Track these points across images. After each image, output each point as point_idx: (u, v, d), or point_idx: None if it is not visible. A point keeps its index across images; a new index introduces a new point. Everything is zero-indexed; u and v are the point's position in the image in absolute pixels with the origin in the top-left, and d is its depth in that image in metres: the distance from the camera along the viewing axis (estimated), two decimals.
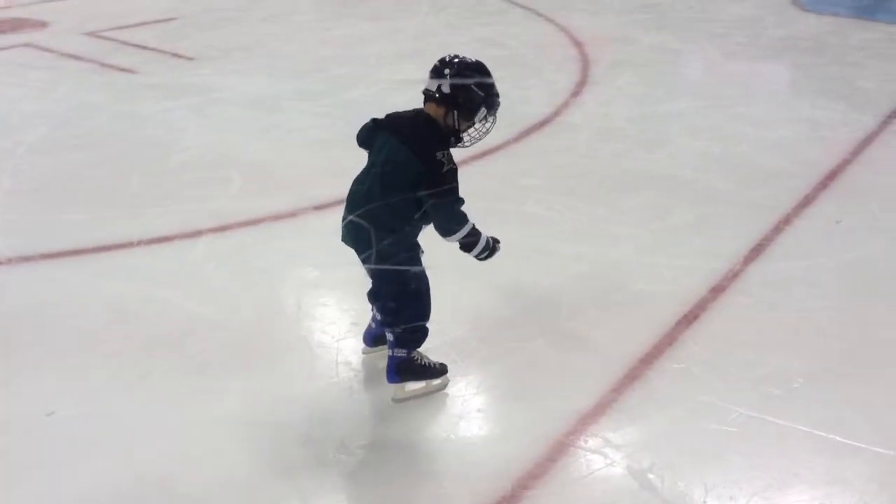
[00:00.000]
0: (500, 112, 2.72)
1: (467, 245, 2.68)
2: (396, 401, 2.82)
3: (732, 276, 3.54)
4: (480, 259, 2.73)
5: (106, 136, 5.12)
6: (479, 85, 2.63)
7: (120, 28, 7.35)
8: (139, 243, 3.79)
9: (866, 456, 2.58)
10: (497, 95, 2.68)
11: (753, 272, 3.58)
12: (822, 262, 3.68)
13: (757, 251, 3.74)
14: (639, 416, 2.73)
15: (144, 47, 6.84)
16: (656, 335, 3.13)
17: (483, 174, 4.34)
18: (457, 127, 2.65)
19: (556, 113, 5.49)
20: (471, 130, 2.69)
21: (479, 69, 2.65)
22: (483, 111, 2.65)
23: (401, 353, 2.77)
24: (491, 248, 2.73)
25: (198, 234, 3.89)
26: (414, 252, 2.71)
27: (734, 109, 5.56)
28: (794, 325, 3.25)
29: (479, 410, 2.81)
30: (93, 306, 3.36)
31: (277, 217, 4.06)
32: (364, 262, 2.72)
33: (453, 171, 2.59)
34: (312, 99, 5.73)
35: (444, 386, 2.88)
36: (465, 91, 2.60)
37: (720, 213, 4.12)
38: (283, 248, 3.83)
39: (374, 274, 2.73)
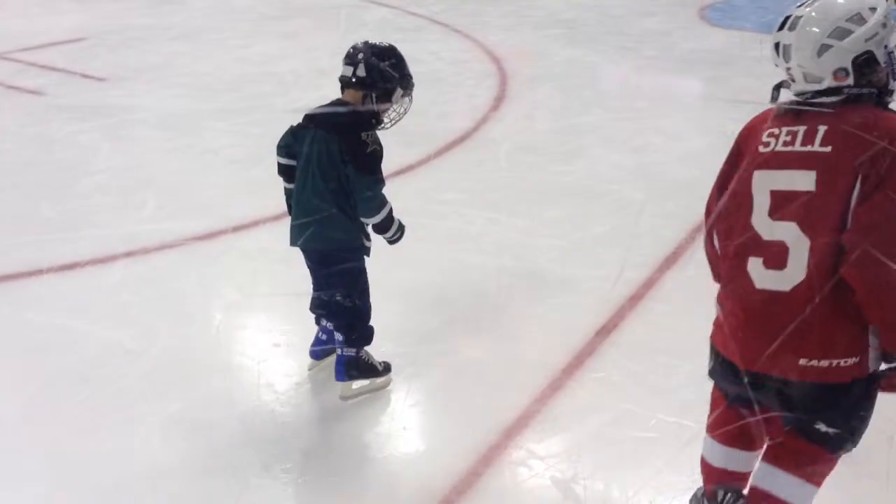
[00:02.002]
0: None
1: (384, 227, 2.77)
2: (344, 398, 2.86)
3: (649, 284, 3.62)
4: (393, 241, 2.83)
5: (13, 161, 4.96)
6: (392, 66, 2.71)
7: (26, 49, 7.12)
8: (49, 270, 3.67)
9: None
10: (410, 76, 2.76)
11: (669, 280, 3.67)
12: None
13: (672, 259, 3.83)
14: (562, 426, 2.77)
15: (53, 68, 6.64)
16: (577, 345, 3.17)
17: (404, 190, 4.33)
18: (376, 110, 2.71)
19: (476, 128, 5.54)
20: (390, 112, 2.75)
21: (391, 52, 2.74)
22: (399, 91, 2.73)
23: (350, 352, 2.83)
24: (402, 230, 2.84)
25: (112, 259, 3.78)
26: (361, 244, 2.77)
27: (647, 121, 5.71)
28: (708, 329, 3.33)
29: (404, 428, 2.80)
30: (1, 337, 3.23)
31: (195, 239, 3.98)
32: (312, 259, 2.79)
33: (377, 153, 2.67)
34: (229, 118, 5.65)
35: (388, 384, 2.94)
36: (379, 73, 2.68)
37: (636, 224, 4.21)
38: (201, 270, 3.76)
39: (322, 275, 2.79)
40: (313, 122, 2.71)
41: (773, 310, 1.89)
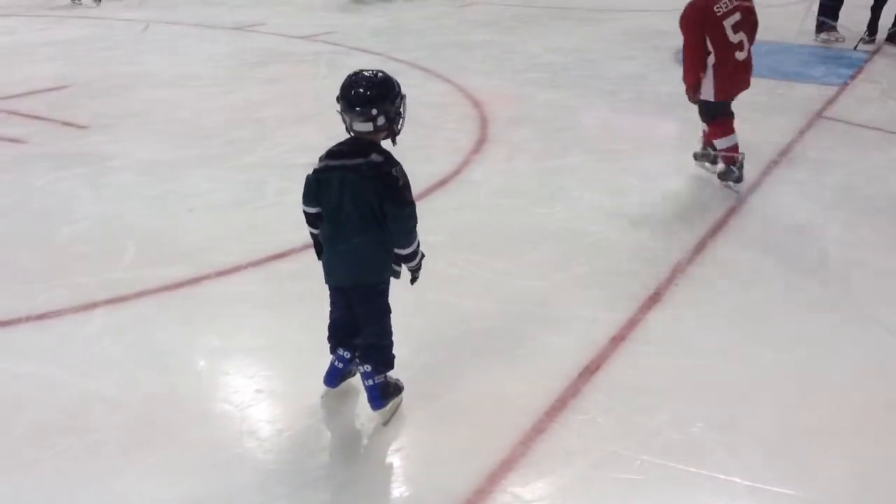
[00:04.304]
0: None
1: (412, 257, 2.87)
2: (386, 423, 2.95)
3: (631, 325, 3.63)
4: (415, 272, 2.94)
5: None
6: (396, 94, 2.77)
7: (7, 98, 7.14)
8: (28, 319, 3.64)
9: (765, 496, 2.66)
10: (399, 85, 2.81)
11: (651, 320, 3.68)
12: (714, 307, 3.82)
13: (653, 300, 3.85)
14: (546, 469, 2.75)
15: (34, 116, 6.65)
16: (560, 387, 3.17)
17: None
18: (395, 132, 2.82)
19: (457, 170, 5.58)
20: (402, 122, 2.84)
21: (386, 84, 2.77)
22: (404, 102, 2.82)
23: (379, 379, 2.93)
24: (421, 262, 2.94)
25: (92, 306, 3.76)
26: (391, 275, 2.92)
27: (625, 163, 5.77)
28: (692, 369, 3.35)
29: (388, 473, 2.78)
30: None
31: (176, 285, 3.97)
32: (349, 296, 2.90)
33: (407, 185, 2.77)
34: (210, 164, 5.67)
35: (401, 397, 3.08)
36: (395, 111, 2.77)
37: (617, 264, 4.24)
38: (183, 317, 3.74)
39: (358, 310, 2.90)
40: (338, 167, 2.77)
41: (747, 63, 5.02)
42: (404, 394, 3.06)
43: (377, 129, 2.75)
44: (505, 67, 8.54)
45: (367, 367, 2.94)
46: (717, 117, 5.13)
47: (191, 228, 4.66)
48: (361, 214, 2.75)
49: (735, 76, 5.02)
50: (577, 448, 2.85)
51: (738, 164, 5.18)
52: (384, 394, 2.97)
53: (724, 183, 5.26)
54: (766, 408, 3.12)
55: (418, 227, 2.85)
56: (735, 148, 5.18)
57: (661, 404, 3.10)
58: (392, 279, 2.94)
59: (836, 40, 9.83)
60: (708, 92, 5.03)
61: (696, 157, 5.56)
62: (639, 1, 12.61)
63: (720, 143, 5.20)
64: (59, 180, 5.34)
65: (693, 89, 5.05)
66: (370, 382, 2.94)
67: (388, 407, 2.99)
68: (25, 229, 4.63)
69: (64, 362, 3.35)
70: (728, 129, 5.15)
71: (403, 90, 2.81)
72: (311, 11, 11.79)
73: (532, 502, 2.59)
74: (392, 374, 3.02)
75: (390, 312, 2.94)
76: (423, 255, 2.94)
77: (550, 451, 2.83)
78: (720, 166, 5.30)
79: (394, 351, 2.98)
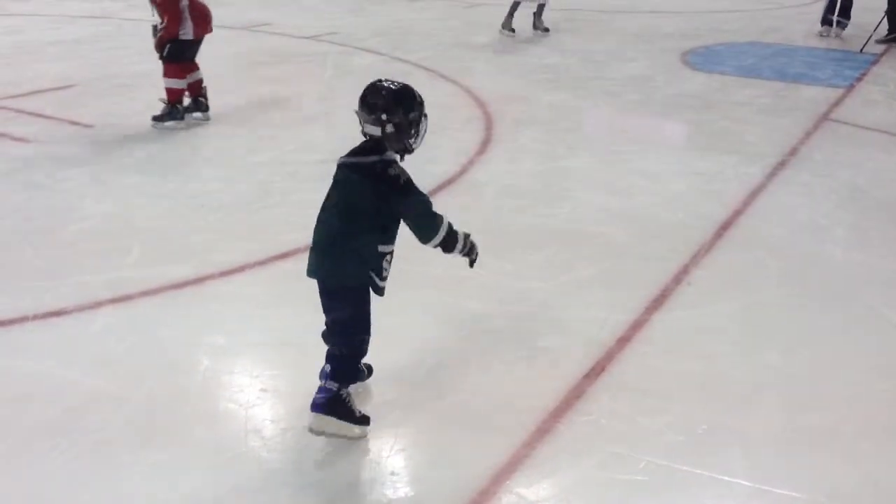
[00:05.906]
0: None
1: (449, 245, 2.83)
2: (314, 432, 2.81)
3: (636, 326, 3.63)
4: (468, 257, 2.88)
5: None
6: (413, 108, 2.75)
7: (13, 97, 7.15)
8: (33, 318, 3.64)
9: (772, 498, 2.66)
10: (422, 102, 2.78)
11: (656, 322, 3.68)
12: (720, 309, 3.81)
13: (659, 301, 3.85)
14: (551, 469, 2.75)
15: (40, 115, 6.66)
16: (565, 388, 3.17)
17: None
18: (406, 147, 2.78)
19: (463, 171, 5.58)
20: (417, 139, 2.80)
21: (404, 95, 2.76)
22: (423, 120, 2.79)
23: (332, 385, 2.82)
24: (471, 245, 2.88)
25: (97, 305, 3.76)
26: (367, 284, 2.79)
27: (630, 164, 5.77)
28: (696, 371, 3.35)
29: (392, 473, 2.78)
30: None
31: (181, 284, 3.97)
32: (321, 291, 2.82)
33: (409, 180, 2.74)
34: (215, 164, 5.67)
35: (362, 436, 2.87)
36: (408, 123, 2.74)
37: (622, 266, 4.23)
38: (188, 315, 3.74)
39: (326, 307, 2.82)
40: (344, 164, 2.77)
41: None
42: (405, 398, 3.04)
43: (385, 136, 2.73)
44: (510, 69, 8.54)
45: (328, 368, 2.85)
46: (181, 60, 6.16)
47: (196, 228, 4.67)
48: (348, 213, 2.72)
49: (205, 17, 6.19)
50: (581, 449, 2.85)
51: (181, 104, 6.28)
52: (327, 403, 2.80)
53: (157, 124, 6.21)
54: (772, 409, 3.11)
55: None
56: (183, 91, 6.26)
57: (665, 406, 3.09)
58: (376, 296, 2.83)
59: (835, 36, 9.85)
60: (188, 32, 6.08)
61: (188, 109, 6.41)
62: (642, 3, 12.61)
63: (172, 83, 6.20)
64: (65, 179, 5.35)
65: (174, 34, 6.02)
66: (322, 383, 2.83)
67: (326, 419, 2.80)
68: (31, 228, 4.64)
69: (69, 361, 3.35)
70: (184, 72, 6.23)
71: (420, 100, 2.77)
72: (317, 12, 11.79)
73: (536, 503, 2.59)
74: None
75: (360, 326, 2.82)
76: (467, 236, 2.86)
77: (555, 452, 2.83)
78: (166, 108, 6.26)
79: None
